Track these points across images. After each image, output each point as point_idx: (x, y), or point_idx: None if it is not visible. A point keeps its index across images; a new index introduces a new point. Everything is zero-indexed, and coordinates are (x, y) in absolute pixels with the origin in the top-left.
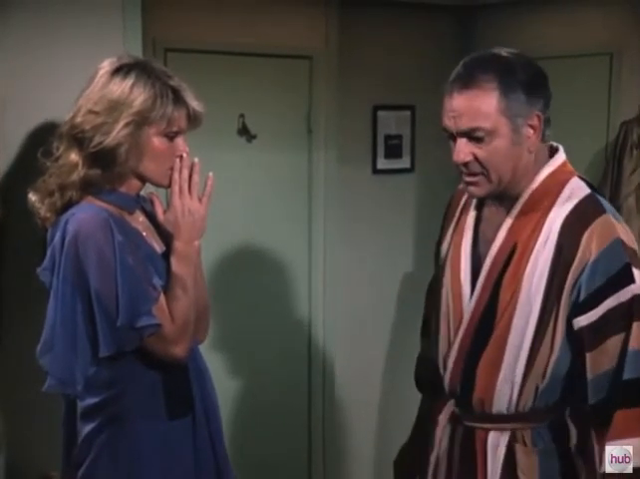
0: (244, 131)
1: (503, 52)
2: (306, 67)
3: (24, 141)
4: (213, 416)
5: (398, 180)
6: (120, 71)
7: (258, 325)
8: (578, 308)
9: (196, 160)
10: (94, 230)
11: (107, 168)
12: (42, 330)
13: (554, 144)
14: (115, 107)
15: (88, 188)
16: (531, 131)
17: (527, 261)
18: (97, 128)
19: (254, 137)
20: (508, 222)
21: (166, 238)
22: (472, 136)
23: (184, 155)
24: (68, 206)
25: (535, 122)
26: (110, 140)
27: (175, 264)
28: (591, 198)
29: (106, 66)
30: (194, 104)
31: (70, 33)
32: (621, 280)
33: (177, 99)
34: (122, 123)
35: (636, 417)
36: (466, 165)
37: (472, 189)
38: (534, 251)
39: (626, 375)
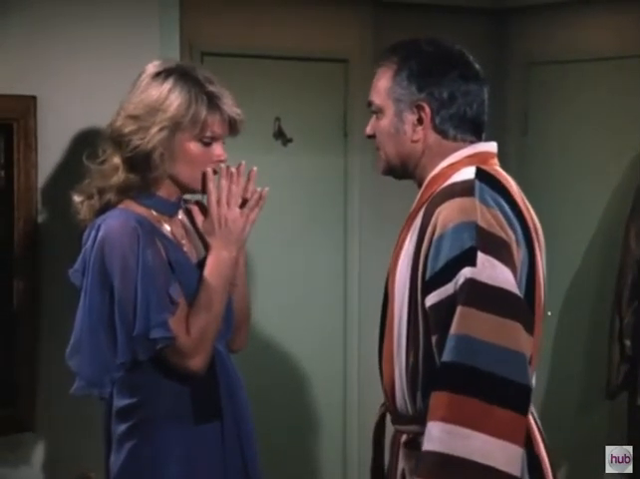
0: (280, 134)
1: (426, 40)
2: (341, 70)
3: (61, 141)
4: (243, 422)
5: None
6: (159, 75)
7: (291, 331)
8: (424, 288)
9: (233, 169)
10: (120, 237)
11: (144, 172)
12: None
13: (486, 149)
14: (151, 112)
15: (126, 191)
16: (413, 118)
17: (403, 244)
18: (134, 132)
19: (290, 140)
20: (412, 208)
21: (206, 245)
22: (372, 110)
23: (223, 165)
24: (106, 208)
25: (417, 111)
26: (145, 144)
27: (205, 274)
28: (467, 182)
29: (148, 69)
30: (232, 110)
31: (107, 36)
32: (460, 264)
33: (212, 104)
34: (156, 128)
35: (436, 400)
36: (371, 139)
37: (377, 164)
38: (409, 234)
39: (443, 358)
